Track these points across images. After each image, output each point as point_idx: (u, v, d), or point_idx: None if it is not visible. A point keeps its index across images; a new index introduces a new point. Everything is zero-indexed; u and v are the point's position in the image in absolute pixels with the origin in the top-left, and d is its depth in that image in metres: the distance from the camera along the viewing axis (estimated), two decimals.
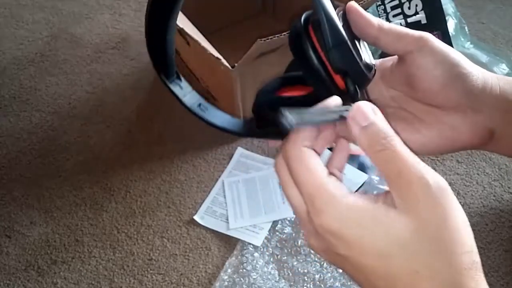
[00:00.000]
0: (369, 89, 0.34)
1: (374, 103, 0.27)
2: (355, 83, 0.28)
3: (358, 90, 0.29)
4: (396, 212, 0.24)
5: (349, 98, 0.29)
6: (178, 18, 0.71)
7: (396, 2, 0.80)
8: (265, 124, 0.34)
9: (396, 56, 0.33)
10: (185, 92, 0.37)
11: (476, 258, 0.24)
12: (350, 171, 0.70)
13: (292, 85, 0.33)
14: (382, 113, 0.27)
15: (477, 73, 0.31)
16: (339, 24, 0.28)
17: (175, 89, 0.36)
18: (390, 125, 0.26)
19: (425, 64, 0.30)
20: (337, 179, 0.27)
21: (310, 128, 0.28)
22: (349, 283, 0.58)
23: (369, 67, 0.30)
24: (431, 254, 0.23)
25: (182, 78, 0.37)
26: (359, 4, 0.30)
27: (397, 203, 0.24)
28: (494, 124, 0.31)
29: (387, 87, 0.34)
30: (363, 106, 0.26)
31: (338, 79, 0.29)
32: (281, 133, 0.29)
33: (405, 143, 0.26)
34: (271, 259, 0.62)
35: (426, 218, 0.23)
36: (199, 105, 0.38)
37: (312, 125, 0.28)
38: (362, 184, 0.69)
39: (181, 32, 0.66)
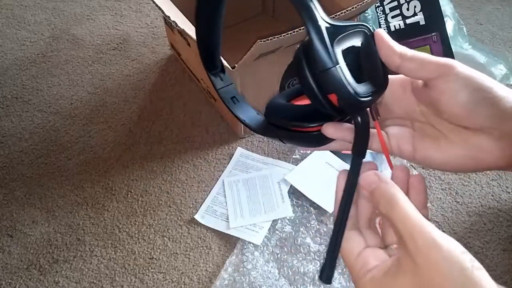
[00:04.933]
0: (400, 101, 0.35)
1: (379, 122, 0.32)
2: (346, 105, 0.30)
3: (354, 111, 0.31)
4: (401, 273, 0.26)
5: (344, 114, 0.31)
6: (178, 19, 0.71)
7: (395, 4, 0.81)
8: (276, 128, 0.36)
9: None
10: (224, 84, 0.40)
11: None
12: None
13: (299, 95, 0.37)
14: (411, 126, 0.31)
15: (507, 96, 0.30)
16: (325, 50, 0.28)
17: (216, 80, 0.40)
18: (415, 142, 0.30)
19: (449, 89, 0.30)
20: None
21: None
22: (348, 283, 0.59)
23: (367, 90, 0.30)
24: None
25: (226, 72, 0.41)
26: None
27: (403, 262, 0.26)
28: None
29: (418, 102, 0.34)
30: (369, 175, 0.29)
31: (333, 97, 0.30)
32: (294, 137, 0.34)
33: (429, 159, 0.30)
34: (271, 258, 0.62)
35: (430, 277, 0.24)
36: (233, 97, 0.40)
37: None
38: None
39: (182, 33, 0.66)
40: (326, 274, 0.30)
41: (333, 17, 0.64)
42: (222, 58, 0.63)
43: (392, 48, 0.31)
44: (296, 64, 0.30)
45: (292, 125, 0.34)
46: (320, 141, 0.34)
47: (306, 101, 0.35)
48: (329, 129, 0.32)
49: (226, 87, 0.40)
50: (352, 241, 0.30)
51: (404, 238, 0.25)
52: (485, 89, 0.30)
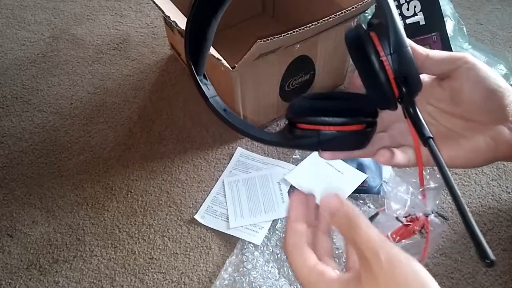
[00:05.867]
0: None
1: (420, 113, 0.31)
2: (411, 89, 0.30)
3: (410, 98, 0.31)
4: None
5: (404, 104, 0.31)
6: (178, 19, 0.71)
7: (395, 4, 0.81)
8: (298, 133, 0.32)
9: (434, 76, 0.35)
10: (212, 94, 0.37)
11: None
12: (349, 171, 0.70)
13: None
14: None
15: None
16: (403, 30, 0.30)
17: (204, 87, 0.36)
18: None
19: (470, 77, 0.32)
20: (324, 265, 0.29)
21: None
22: None
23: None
24: None
25: (209, 81, 0.38)
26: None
27: (362, 276, 0.27)
28: None
29: (426, 103, 0.35)
30: (328, 199, 0.29)
31: (394, 87, 0.30)
32: (315, 143, 0.30)
33: (452, 159, 0.32)
34: (271, 258, 0.62)
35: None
36: (225, 110, 0.36)
37: None
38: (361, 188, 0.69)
39: (182, 33, 0.66)
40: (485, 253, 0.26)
41: (333, 17, 0.64)
42: (221, 58, 0.63)
43: (417, 49, 0.32)
44: (363, 47, 0.30)
45: (335, 123, 0.31)
46: (364, 141, 0.32)
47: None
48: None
49: (215, 98, 0.36)
50: (308, 252, 0.30)
51: (368, 257, 0.26)
52: (497, 82, 0.32)
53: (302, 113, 0.31)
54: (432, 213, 0.47)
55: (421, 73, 0.32)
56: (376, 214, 0.61)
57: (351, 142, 0.31)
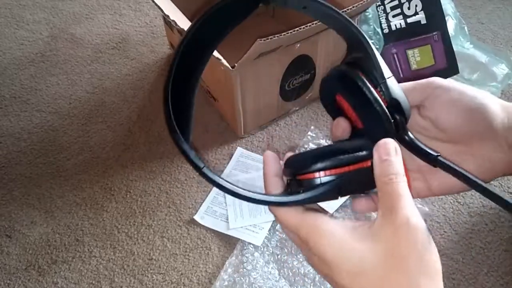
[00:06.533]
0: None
1: (416, 138, 0.31)
2: (403, 114, 0.30)
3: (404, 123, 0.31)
4: (371, 241, 0.27)
5: (399, 130, 0.31)
6: (177, 18, 0.71)
7: (396, 3, 0.80)
8: (312, 183, 0.29)
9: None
10: (203, 164, 0.32)
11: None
12: None
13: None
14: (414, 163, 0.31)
15: (495, 106, 0.31)
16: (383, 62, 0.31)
17: (194, 157, 0.31)
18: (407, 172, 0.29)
19: (443, 103, 0.32)
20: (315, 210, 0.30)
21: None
22: None
23: None
24: (397, 275, 0.26)
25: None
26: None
27: (376, 228, 0.27)
28: None
29: (421, 117, 0.35)
30: (389, 143, 0.29)
31: (389, 116, 0.30)
32: (336, 188, 0.29)
33: (447, 186, 0.32)
34: (271, 259, 0.62)
35: (398, 251, 0.26)
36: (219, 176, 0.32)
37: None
38: None
39: (181, 32, 0.66)
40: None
41: None
42: (221, 57, 0.63)
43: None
44: (353, 80, 0.30)
45: (344, 162, 0.29)
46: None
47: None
48: None
49: (207, 168, 0.31)
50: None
51: (392, 208, 0.27)
52: (476, 97, 0.31)
53: (309, 163, 0.29)
54: None
55: None
56: None
57: (368, 180, 0.29)
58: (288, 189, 0.31)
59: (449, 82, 0.32)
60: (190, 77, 0.31)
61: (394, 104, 0.30)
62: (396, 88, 0.30)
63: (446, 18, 0.79)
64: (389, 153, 0.28)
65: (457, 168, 0.29)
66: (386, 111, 0.30)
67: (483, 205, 0.68)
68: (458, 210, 0.67)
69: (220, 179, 0.29)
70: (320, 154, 0.30)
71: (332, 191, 0.29)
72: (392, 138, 0.30)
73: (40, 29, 1.02)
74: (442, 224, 0.65)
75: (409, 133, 0.32)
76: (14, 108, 0.84)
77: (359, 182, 0.30)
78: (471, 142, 0.32)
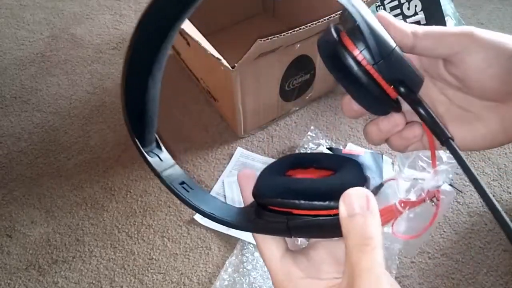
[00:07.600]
0: None
1: (428, 106, 0.26)
2: (411, 89, 0.26)
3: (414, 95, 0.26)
4: None
5: (410, 104, 0.26)
6: None
7: (396, 3, 0.80)
8: (267, 215, 0.26)
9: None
10: (166, 166, 0.30)
11: None
12: None
13: (305, 167, 0.29)
14: (434, 110, 0.26)
15: None
16: (383, 30, 0.24)
17: (153, 160, 0.29)
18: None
19: (476, 63, 0.27)
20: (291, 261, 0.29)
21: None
22: None
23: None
24: None
25: (163, 149, 0.31)
26: None
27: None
28: None
29: (434, 83, 0.31)
30: (357, 194, 0.24)
31: (390, 91, 0.26)
32: (286, 228, 0.25)
33: (462, 142, 0.28)
34: None
35: None
36: (182, 183, 0.30)
37: None
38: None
39: (182, 33, 0.66)
40: None
41: (333, 16, 0.64)
42: (221, 57, 0.63)
43: (400, 29, 0.27)
44: (341, 60, 0.24)
45: (312, 207, 0.25)
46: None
47: (308, 174, 0.28)
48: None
49: (169, 169, 0.30)
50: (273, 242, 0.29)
51: (353, 284, 0.23)
52: (508, 58, 0.26)
53: (266, 192, 0.26)
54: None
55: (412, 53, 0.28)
56: (381, 185, 0.60)
57: (331, 229, 0.25)
58: (247, 212, 0.29)
59: (490, 36, 0.26)
60: (145, 74, 0.28)
61: (396, 83, 0.25)
62: (396, 65, 0.25)
63: (446, 19, 0.80)
64: (359, 207, 0.23)
65: (462, 159, 0.25)
66: (382, 92, 0.25)
67: (483, 205, 0.68)
68: (458, 210, 0.67)
69: (177, 185, 0.28)
70: (283, 187, 0.26)
71: (282, 230, 0.26)
72: (398, 109, 0.27)
73: (40, 29, 1.02)
74: (442, 224, 0.66)
75: (422, 104, 0.26)
76: (15, 108, 0.85)
77: (319, 229, 0.25)
78: (505, 100, 0.28)
